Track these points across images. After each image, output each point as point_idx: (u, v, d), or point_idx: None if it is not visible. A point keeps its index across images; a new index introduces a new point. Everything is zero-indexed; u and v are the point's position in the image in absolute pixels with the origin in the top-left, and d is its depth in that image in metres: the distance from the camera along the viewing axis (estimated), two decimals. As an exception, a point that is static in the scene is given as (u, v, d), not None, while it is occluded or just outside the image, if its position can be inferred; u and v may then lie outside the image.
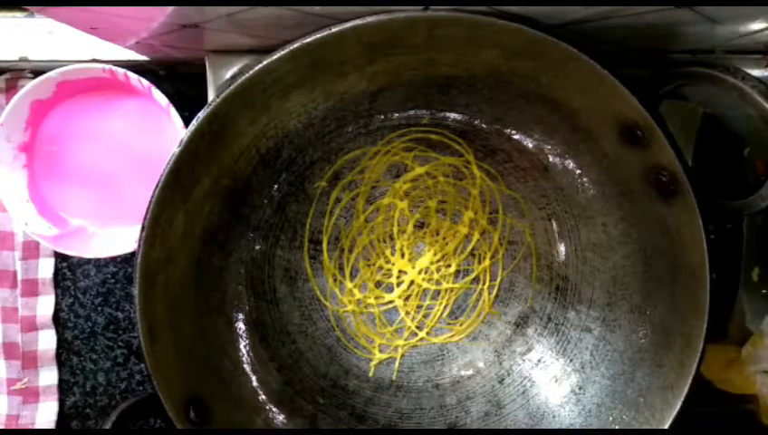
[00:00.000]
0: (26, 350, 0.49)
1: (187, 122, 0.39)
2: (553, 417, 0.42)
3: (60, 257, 0.49)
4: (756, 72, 0.40)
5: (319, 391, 0.44)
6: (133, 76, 0.43)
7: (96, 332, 0.50)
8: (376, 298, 0.45)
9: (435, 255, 0.45)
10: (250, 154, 0.39)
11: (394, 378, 0.45)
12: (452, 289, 0.45)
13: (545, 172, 0.43)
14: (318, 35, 0.32)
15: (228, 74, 0.40)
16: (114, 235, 0.47)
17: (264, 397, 0.42)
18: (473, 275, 0.45)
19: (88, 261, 0.50)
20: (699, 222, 0.34)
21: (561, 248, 0.44)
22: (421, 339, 0.45)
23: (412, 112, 0.42)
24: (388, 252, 0.45)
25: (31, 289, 0.49)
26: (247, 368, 0.42)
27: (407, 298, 0.45)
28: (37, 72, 0.44)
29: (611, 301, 0.42)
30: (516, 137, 0.42)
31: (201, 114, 0.34)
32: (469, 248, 0.45)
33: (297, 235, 0.44)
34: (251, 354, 0.42)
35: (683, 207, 0.35)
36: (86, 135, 0.46)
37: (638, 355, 0.40)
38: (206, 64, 0.40)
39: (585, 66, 0.33)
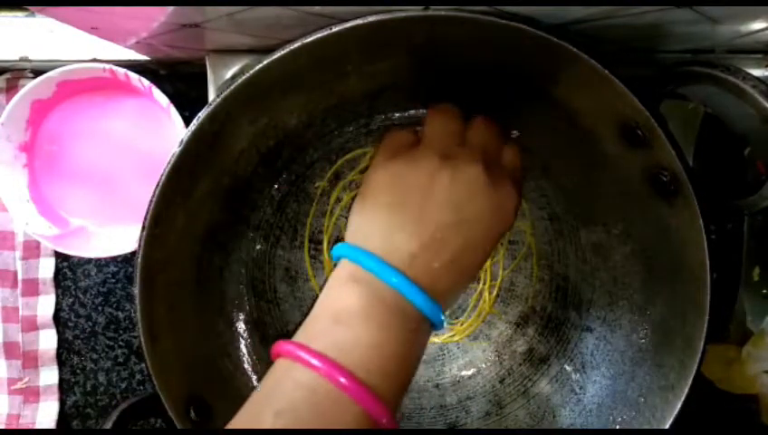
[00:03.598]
0: (27, 349, 0.49)
1: (187, 122, 0.39)
2: (554, 417, 0.42)
3: (60, 257, 0.49)
4: (757, 72, 0.40)
5: (319, 391, 0.44)
6: (134, 76, 0.43)
7: (96, 331, 0.50)
8: (376, 298, 0.45)
9: (435, 254, 0.45)
10: (250, 154, 0.39)
11: (394, 378, 0.45)
12: (452, 289, 0.45)
13: (545, 172, 0.43)
14: (318, 35, 0.32)
15: (229, 74, 0.40)
16: (114, 234, 0.47)
17: (264, 397, 0.42)
18: (473, 275, 0.45)
19: (88, 261, 0.50)
20: (700, 222, 0.34)
21: (562, 248, 0.44)
22: (421, 339, 0.45)
23: (412, 112, 0.42)
24: (388, 252, 0.45)
25: (31, 289, 0.49)
26: (248, 367, 0.42)
27: (407, 298, 0.45)
28: (38, 72, 0.44)
29: (612, 301, 0.42)
30: (516, 136, 0.42)
31: (201, 114, 0.34)
32: (470, 248, 0.45)
33: (298, 234, 0.44)
34: (251, 354, 0.42)
35: (683, 206, 0.35)
36: (86, 135, 0.46)
37: (639, 355, 0.40)
38: (207, 64, 0.40)
39: (585, 66, 0.33)
